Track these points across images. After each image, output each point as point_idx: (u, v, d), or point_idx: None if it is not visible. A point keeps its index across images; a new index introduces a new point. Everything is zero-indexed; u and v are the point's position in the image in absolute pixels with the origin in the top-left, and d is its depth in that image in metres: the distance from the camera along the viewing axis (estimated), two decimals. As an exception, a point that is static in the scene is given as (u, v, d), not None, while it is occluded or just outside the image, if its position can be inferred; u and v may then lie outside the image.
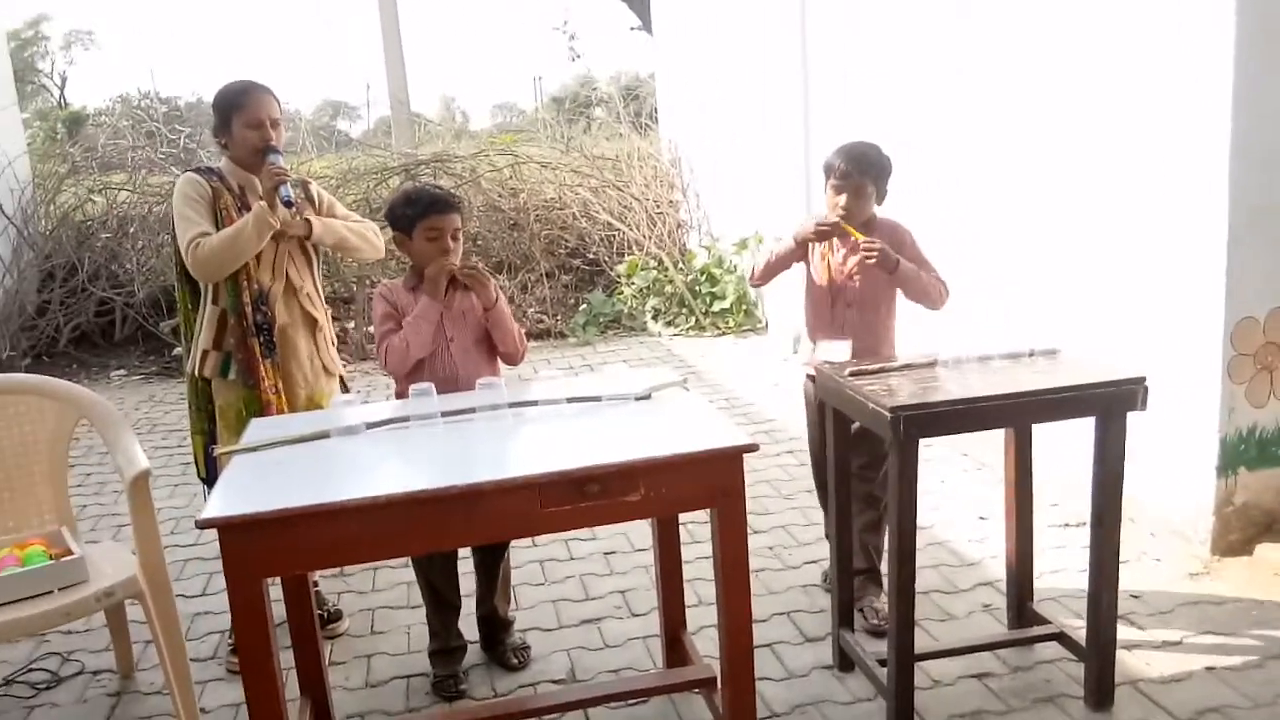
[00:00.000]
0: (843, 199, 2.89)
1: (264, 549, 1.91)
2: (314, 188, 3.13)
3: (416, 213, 2.72)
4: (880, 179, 2.94)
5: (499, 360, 2.87)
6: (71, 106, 14.04)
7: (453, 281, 2.74)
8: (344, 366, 3.27)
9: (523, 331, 2.89)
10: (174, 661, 2.58)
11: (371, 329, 2.92)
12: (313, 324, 3.05)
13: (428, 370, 2.74)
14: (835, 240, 2.98)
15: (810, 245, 2.99)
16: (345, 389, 3.17)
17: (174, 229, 2.90)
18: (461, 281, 2.73)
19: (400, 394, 2.77)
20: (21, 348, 7.11)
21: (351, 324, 7.24)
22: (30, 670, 3.00)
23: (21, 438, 2.83)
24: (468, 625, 2.95)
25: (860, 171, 2.89)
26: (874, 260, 2.82)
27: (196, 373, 2.96)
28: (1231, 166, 3.01)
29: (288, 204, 2.83)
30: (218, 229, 2.84)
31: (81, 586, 2.48)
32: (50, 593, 2.44)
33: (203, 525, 1.90)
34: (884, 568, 3.02)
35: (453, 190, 8.23)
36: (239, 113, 2.88)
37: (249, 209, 2.87)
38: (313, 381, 3.05)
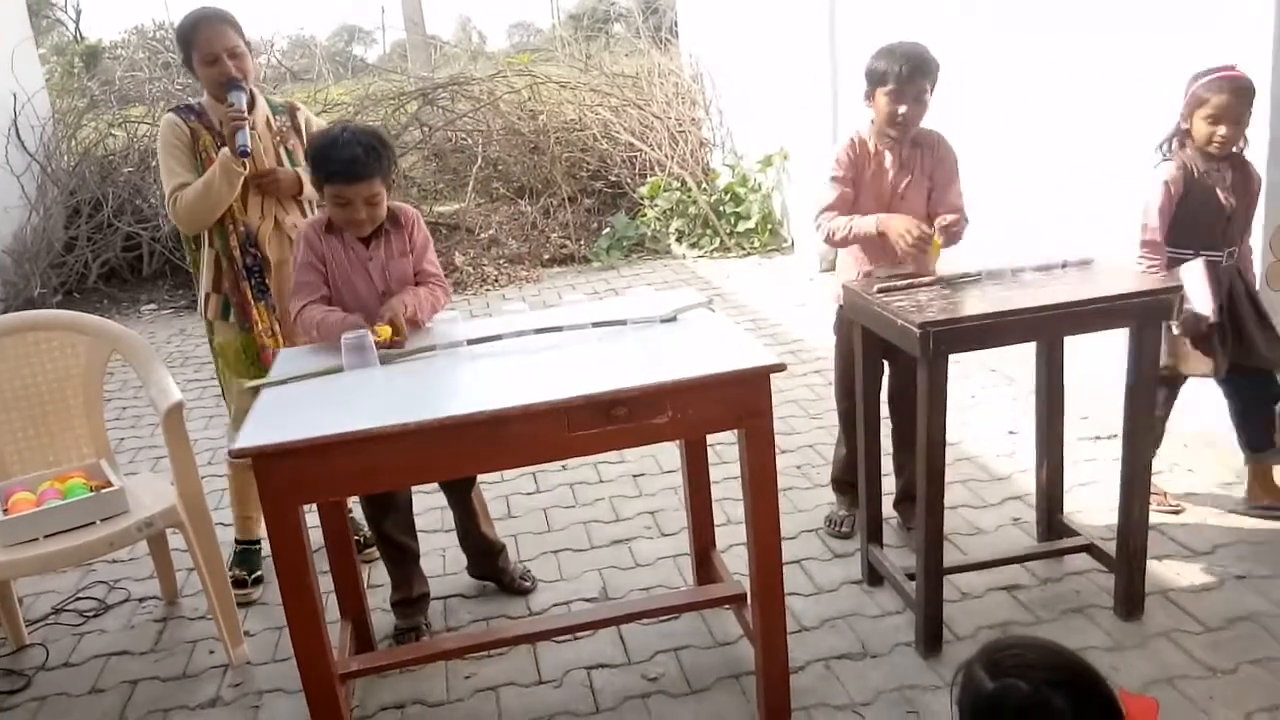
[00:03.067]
0: (903, 107, 2.72)
1: (298, 476, 1.94)
2: (301, 115, 3.02)
3: (322, 175, 2.43)
4: (935, 81, 2.78)
5: None
6: (88, 40, 13.90)
7: (377, 231, 2.53)
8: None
9: (438, 292, 2.61)
10: (216, 587, 2.65)
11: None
12: None
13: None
14: (885, 161, 2.85)
15: (862, 168, 2.84)
16: None
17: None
18: (384, 230, 2.52)
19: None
20: (52, 285, 7.18)
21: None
22: (78, 599, 3.10)
23: (56, 373, 2.87)
24: (431, 564, 2.96)
25: (922, 74, 2.72)
26: (954, 243, 2.72)
27: (204, 314, 2.97)
28: (1274, 73, 2.89)
29: (243, 154, 2.72)
30: (200, 172, 2.79)
31: (122, 517, 2.53)
32: (93, 524, 2.50)
33: (236, 454, 1.93)
34: None
35: (469, 114, 8.23)
36: (194, 49, 2.77)
37: None
38: None
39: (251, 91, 2.85)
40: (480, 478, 3.02)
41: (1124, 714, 1.23)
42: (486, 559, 2.94)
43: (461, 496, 2.86)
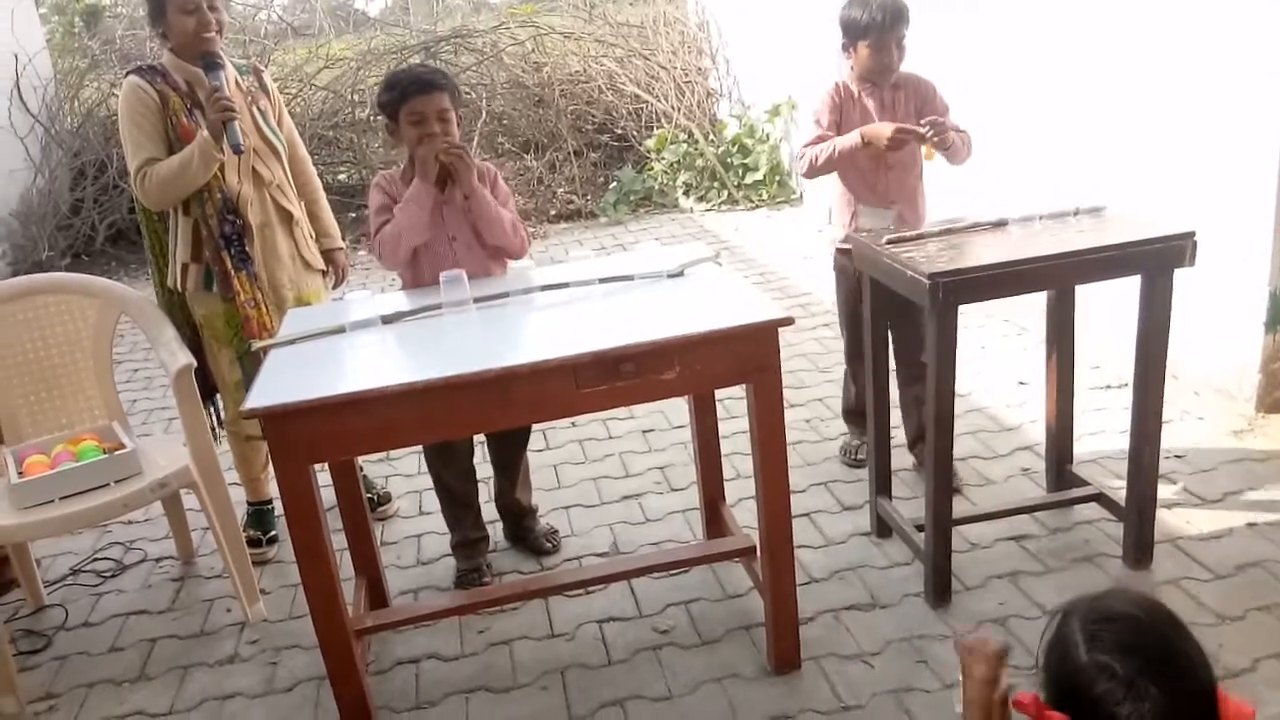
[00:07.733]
0: (887, 58, 2.76)
1: (309, 436, 1.95)
2: (267, 77, 2.95)
3: (396, 97, 2.51)
4: (909, 22, 2.80)
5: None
6: (87, -2, 13.75)
7: (450, 174, 2.55)
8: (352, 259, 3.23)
9: (518, 224, 2.66)
10: (231, 547, 2.68)
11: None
12: (289, 219, 2.91)
13: (428, 266, 2.58)
14: (872, 104, 2.87)
15: (847, 114, 2.87)
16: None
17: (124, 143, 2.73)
18: (446, 165, 2.52)
19: (407, 284, 2.67)
20: (60, 248, 7.17)
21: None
22: (95, 559, 3.13)
23: (66, 336, 2.88)
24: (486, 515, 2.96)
25: (902, 21, 2.75)
26: (945, 145, 2.71)
27: (178, 287, 2.86)
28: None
29: (236, 150, 2.62)
30: (168, 140, 2.68)
31: (136, 479, 2.55)
32: (107, 485, 2.52)
33: (247, 415, 1.94)
34: None
35: (473, 67, 8.13)
36: None
37: (199, 107, 2.68)
38: (298, 280, 2.95)
39: (219, 54, 2.73)
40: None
41: (1218, 714, 1.13)
42: (511, 519, 2.97)
43: (510, 458, 2.86)
